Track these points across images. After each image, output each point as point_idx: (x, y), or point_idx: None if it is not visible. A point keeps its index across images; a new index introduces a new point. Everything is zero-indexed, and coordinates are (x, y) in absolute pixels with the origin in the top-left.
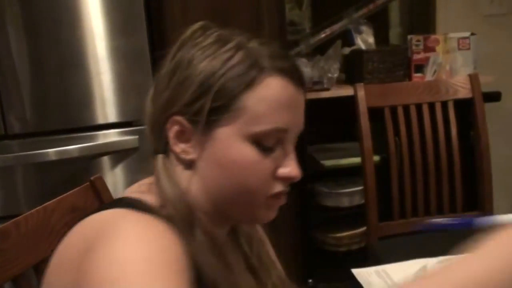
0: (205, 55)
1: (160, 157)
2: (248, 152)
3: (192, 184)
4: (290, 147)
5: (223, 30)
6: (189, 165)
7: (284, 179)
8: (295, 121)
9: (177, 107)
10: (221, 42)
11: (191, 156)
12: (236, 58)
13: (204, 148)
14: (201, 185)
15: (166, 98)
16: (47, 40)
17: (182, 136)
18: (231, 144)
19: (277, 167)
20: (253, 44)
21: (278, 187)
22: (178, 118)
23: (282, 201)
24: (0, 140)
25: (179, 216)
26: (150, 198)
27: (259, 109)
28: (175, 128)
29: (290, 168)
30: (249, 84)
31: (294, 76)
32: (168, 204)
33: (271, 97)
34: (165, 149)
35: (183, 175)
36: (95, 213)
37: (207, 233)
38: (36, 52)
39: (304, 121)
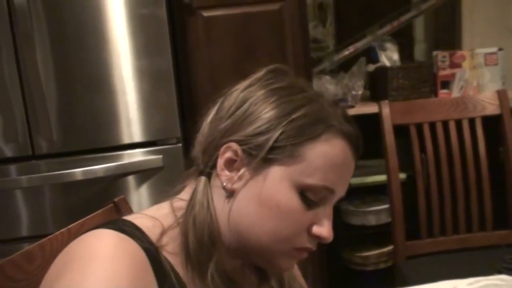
0: (278, 95)
1: (203, 179)
2: (294, 200)
3: (224, 213)
4: (330, 209)
5: (295, 78)
6: (229, 194)
7: (316, 237)
8: (343, 185)
9: (237, 136)
10: (296, 89)
11: (234, 186)
12: (309, 108)
13: (250, 182)
14: (233, 217)
15: (228, 124)
16: (73, 61)
17: (231, 165)
18: (280, 187)
19: (313, 223)
20: (325, 102)
21: (307, 243)
22: (235, 146)
23: (304, 255)
24: (27, 161)
25: (201, 246)
26: (163, 223)
27: (316, 163)
28: (228, 154)
29: (325, 229)
30: (315, 137)
31: (355, 144)
32: (193, 230)
33: (330, 156)
34: (209, 173)
35: (219, 203)
36: (83, 234)
37: (220, 267)
38: (63, 73)
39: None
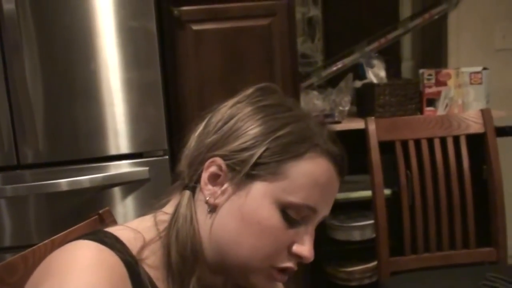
0: (265, 113)
1: (187, 193)
2: (275, 217)
3: (207, 228)
4: (312, 229)
5: (283, 97)
6: (212, 209)
7: (296, 257)
8: (326, 205)
9: (222, 151)
10: (283, 107)
11: (217, 200)
12: (295, 126)
13: (233, 198)
14: (215, 232)
15: (214, 139)
16: (61, 71)
17: (215, 179)
18: (262, 203)
19: (294, 242)
20: (311, 121)
21: (287, 262)
22: (219, 161)
23: (284, 278)
24: (12, 170)
25: (183, 260)
26: (145, 236)
27: (300, 181)
28: (212, 169)
29: (306, 248)
30: (299, 155)
31: (339, 164)
32: (176, 243)
33: (314, 175)
34: (194, 187)
35: (202, 217)
36: (63, 245)
37: (201, 282)
38: (50, 83)
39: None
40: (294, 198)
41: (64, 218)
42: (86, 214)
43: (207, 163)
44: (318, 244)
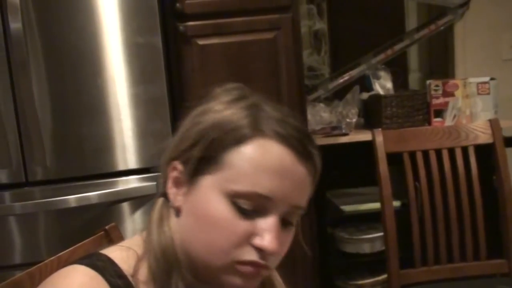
0: (216, 109)
1: (160, 200)
2: (223, 209)
3: (177, 233)
4: (274, 219)
5: (253, 94)
6: (177, 212)
7: (259, 250)
8: (286, 192)
9: (178, 152)
10: (235, 100)
11: (178, 203)
12: (237, 114)
13: (188, 197)
14: (181, 235)
15: (174, 142)
16: (69, 88)
17: (178, 182)
18: (210, 196)
19: (254, 234)
20: (265, 108)
21: (251, 255)
22: (176, 163)
23: (255, 272)
24: (21, 187)
25: (158, 267)
26: (138, 252)
27: (243, 168)
28: (175, 173)
29: (265, 240)
30: (238, 141)
31: (297, 147)
32: (150, 252)
33: (259, 160)
34: (165, 193)
35: (173, 222)
36: (56, 272)
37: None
38: (58, 100)
39: (307, 197)
40: (239, 187)
41: (74, 234)
42: (95, 230)
43: (169, 168)
44: (327, 257)
